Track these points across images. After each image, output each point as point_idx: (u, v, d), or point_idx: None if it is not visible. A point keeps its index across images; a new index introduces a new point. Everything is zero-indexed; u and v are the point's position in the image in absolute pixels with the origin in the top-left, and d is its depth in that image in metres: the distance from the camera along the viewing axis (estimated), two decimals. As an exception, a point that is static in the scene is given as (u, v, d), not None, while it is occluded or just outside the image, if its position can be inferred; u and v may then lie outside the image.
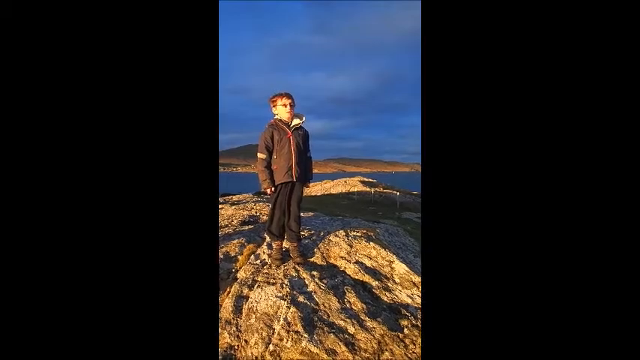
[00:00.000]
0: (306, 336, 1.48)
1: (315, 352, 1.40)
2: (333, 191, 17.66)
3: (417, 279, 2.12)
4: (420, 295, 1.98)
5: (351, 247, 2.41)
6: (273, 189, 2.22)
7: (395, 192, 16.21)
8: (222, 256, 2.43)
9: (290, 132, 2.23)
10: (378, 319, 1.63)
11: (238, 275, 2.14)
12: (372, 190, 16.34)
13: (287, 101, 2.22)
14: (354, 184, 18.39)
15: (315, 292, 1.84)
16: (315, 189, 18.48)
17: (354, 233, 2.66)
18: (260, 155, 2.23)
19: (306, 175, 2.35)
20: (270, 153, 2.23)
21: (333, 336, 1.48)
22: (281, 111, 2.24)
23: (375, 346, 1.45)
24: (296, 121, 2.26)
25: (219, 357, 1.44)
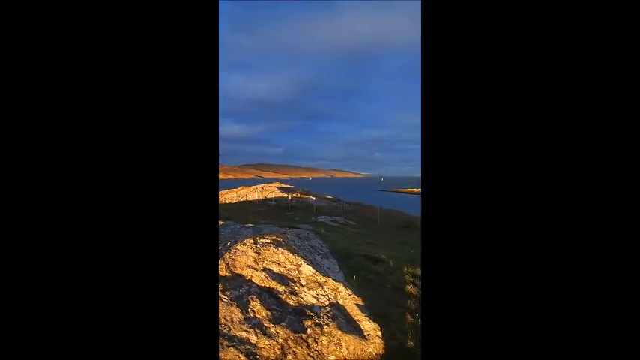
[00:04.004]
0: (203, 354, 1.38)
1: (212, 369, 1.31)
2: (250, 198, 17.11)
3: (323, 279, 2.22)
4: (324, 294, 2.08)
5: (259, 254, 2.37)
6: None
7: (312, 197, 16.71)
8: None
9: None
10: (282, 323, 1.64)
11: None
12: (290, 195, 16.47)
13: None
14: (271, 191, 18.20)
15: (217, 306, 1.74)
16: (229, 196, 17.59)
17: (263, 240, 2.63)
18: None
19: None
20: None
21: (233, 349, 1.43)
22: None
23: (278, 350, 1.46)
24: None
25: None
